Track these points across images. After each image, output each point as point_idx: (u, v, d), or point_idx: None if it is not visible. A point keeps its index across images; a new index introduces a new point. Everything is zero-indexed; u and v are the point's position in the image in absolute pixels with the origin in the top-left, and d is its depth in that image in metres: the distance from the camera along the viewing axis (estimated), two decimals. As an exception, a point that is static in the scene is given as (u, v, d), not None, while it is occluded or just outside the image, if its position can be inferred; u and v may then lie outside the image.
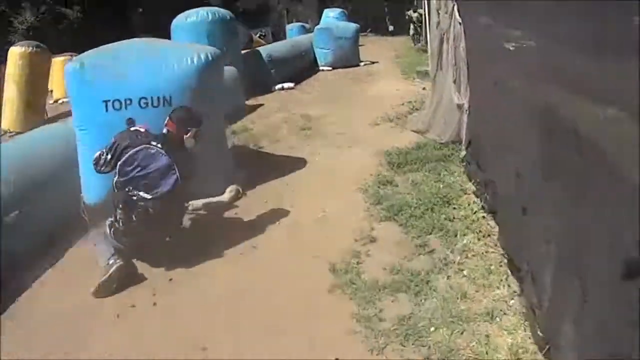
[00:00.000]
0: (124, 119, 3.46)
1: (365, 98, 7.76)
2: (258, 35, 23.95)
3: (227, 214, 3.88)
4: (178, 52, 3.99)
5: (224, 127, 4.68)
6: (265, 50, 9.66)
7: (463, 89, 4.36)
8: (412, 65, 10.20)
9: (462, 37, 4.32)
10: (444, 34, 5.06)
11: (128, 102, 3.65)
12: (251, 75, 9.42)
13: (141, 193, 3.05)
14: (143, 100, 3.67)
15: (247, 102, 8.26)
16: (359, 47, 15.69)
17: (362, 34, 22.38)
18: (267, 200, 4.12)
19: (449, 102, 4.84)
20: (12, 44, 23.34)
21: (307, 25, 16.74)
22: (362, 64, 11.75)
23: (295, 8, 24.30)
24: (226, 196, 3.99)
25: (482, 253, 2.91)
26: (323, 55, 11.69)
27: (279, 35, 20.79)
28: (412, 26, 14.41)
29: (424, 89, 7.55)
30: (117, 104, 3.63)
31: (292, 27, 18.36)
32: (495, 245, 2.96)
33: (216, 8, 8.75)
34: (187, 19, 8.42)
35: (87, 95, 3.68)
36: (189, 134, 3.24)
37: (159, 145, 3.11)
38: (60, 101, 14.06)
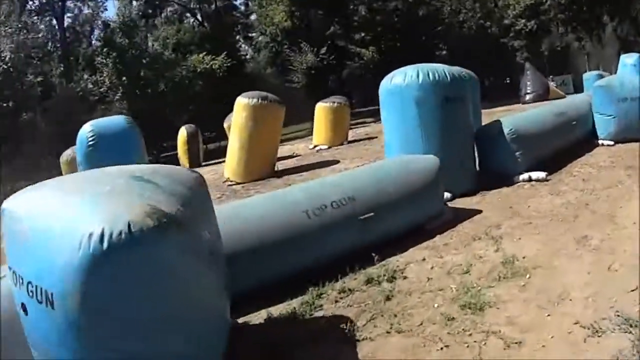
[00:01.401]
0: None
1: (618, 240, 3.85)
2: (556, 84, 20.22)
3: None
4: (80, 224, 2.06)
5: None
6: (508, 123, 6.62)
7: None
8: None
9: None
10: None
11: (19, 280, 2.24)
12: (484, 159, 6.68)
13: None
14: (30, 288, 2.17)
15: (465, 201, 5.63)
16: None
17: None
18: None
19: None
20: (292, 82, 25.91)
21: (605, 74, 12.38)
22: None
23: (598, 52, 18.85)
24: None
25: None
26: (603, 123, 7.77)
27: (581, 84, 16.63)
28: None
29: None
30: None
31: (588, 77, 14.18)
32: None
33: (435, 65, 6.39)
34: (391, 81, 6.41)
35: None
36: None
37: None
38: (317, 148, 13.98)
